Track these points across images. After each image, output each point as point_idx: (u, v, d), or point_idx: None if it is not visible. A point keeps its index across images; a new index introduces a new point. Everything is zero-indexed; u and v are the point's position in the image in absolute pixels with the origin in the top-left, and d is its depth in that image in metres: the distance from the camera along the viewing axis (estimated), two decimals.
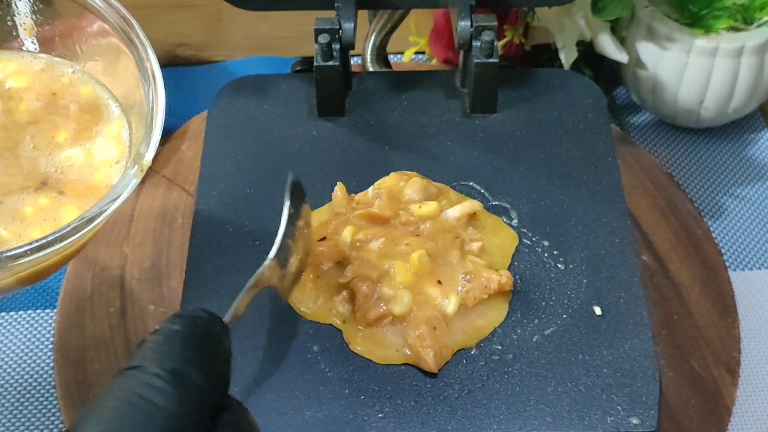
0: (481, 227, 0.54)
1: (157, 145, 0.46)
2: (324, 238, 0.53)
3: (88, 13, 0.51)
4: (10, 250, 0.42)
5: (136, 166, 0.45)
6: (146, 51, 0.49)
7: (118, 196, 0.44)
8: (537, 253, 0.54)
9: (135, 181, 0.45)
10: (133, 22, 0.50)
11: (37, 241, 0.42)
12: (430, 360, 0.49)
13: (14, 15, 0.53)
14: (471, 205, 0.54)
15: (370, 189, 0.55)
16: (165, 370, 0.35)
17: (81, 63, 0.53)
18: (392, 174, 0.56)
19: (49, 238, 0.42)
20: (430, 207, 0.54)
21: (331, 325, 0.51)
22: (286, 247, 0.48)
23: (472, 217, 0.54)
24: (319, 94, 0.60)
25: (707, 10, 0.67)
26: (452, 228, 0.53)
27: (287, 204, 0.48)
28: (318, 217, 0.55)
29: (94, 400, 0.34)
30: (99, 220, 0.44)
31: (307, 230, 0.50)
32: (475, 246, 0.53)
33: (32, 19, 0.53)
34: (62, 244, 0.43)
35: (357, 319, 0.50)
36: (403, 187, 0.55)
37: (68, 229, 0.43)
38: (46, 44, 0.53)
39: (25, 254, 0.42)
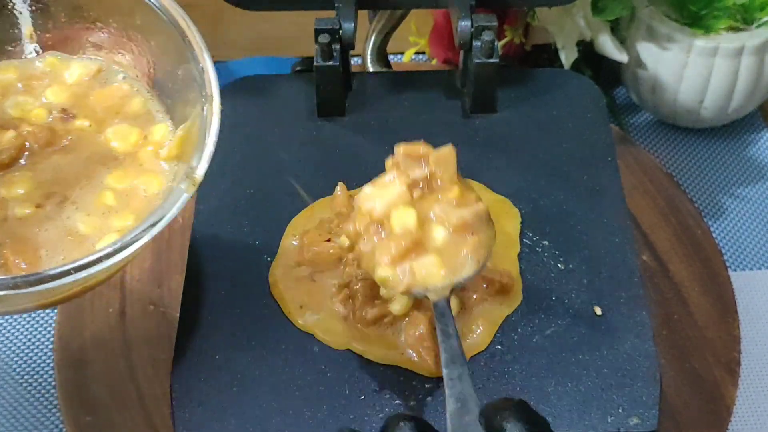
0: None
1: (210, 160, 0.45)
2: (329, 240, 0.53)
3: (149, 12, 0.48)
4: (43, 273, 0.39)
5: (187, 181, 0.44)
6: (203, 56, 0.47)
7: (164, 216, 0.42)
8: (537, 253, 0.54)
9: (186, 196, 0.43)
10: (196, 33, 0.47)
11: (73, 262, 0.39)
12: (430, 360, 0.48)
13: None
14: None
15: None
16: None
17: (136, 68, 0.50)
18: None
19: (82, 262, 0.40)
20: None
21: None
22: None
23: None
24: (319, 94, 0.59)
25: (707, 10, 0.67)
26: None
27: None
28: (319, 212, 0.55)
29: None
30: (140, 242, 0.41)
31: None
32: None
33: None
34: (97, 268, 0.40)
35: (356, 319, 0.50)
36: None
37: (106, 252, 0.40)
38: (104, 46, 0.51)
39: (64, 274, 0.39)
